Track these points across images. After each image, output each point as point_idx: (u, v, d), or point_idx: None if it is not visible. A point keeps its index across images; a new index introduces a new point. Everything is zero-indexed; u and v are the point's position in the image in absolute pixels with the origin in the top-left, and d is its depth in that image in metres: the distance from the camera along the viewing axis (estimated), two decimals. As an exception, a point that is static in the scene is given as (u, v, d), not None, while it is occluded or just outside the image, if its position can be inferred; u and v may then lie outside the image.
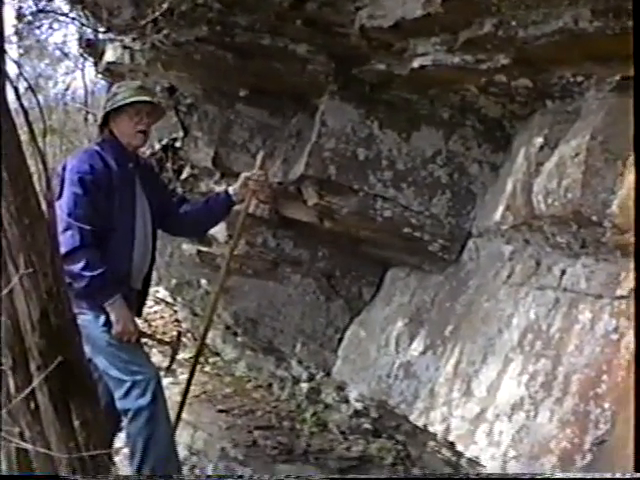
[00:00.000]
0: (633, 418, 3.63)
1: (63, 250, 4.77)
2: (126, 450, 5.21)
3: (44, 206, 3.83)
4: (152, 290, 7.27)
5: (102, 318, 5.11)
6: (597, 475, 3.84)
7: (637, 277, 3.78)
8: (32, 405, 3.69)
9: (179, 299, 9.23)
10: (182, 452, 5.94)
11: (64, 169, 5.06)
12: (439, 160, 5.87)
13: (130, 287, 5.32)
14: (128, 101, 5.21)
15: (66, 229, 4.93)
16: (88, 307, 5.05)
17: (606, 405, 3.84)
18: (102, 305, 5.08)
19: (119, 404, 5.03)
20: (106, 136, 5.28)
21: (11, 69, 4.75)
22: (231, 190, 5.79)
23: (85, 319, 4.95)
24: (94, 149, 5.19)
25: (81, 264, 4.92)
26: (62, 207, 4.95)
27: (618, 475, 3.71)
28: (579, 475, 3.91)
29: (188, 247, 7.88)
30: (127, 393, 4.98)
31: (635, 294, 3.81)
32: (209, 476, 6.06)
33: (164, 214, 5.56)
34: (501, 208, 5.13)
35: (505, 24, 4.38)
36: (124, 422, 5.09)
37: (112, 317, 5.07)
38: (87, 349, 5.04)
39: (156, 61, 6.58)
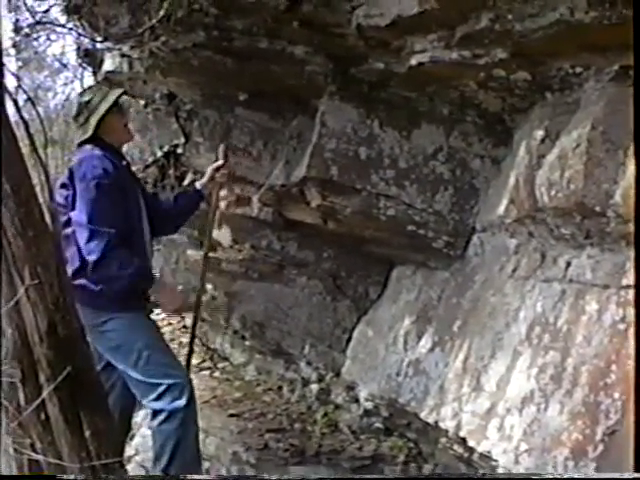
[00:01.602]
0: (633, 417, 3.64)
1: (94, 258, 4.85)
2: (138, 457, 5.20)
3: (48, 217, 3.83)
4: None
5: (141, 317, 5.16)
6: (597, 475, 3.84)
7: (637, 268, 3.77)
8: (42, 416, 3.70)
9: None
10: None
11: (71, 178, 5.02)
12: (441, 156, 5.87)
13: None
14: (115, 98, 5.23)
15: (91, 237, 4.90)
16: (125, 308, 5.07)
17: (616, 395, 3.83)
18: (145, 297, 5.19)
19: (150, 405, 5.01)
20: (96, 140, 5.24)
21: (10, 82, 4.75)
22: (198, 185, 5.80)
23: (121, 323, 5.00)
24: (98, 153, 5.13)
25: (116, 265, 4.92)
26: (80, 217, 4.91)
27: (618, 475, 3.71)
28: (578, 475, 3.91)
29: (193, 253, 7.89)
30: (162, 395, 4.95)
31: (635, 286, 3.80)
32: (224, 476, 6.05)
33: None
34: (504, 202, 5.12)
35: (501, 18, 4.37)
36: (153, 422, 5.05)
37: (162, 297, 5.30)
38: (115, 357, 5.09)
39: (155, 68, 6.59)
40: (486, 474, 4.71)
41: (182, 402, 4.95)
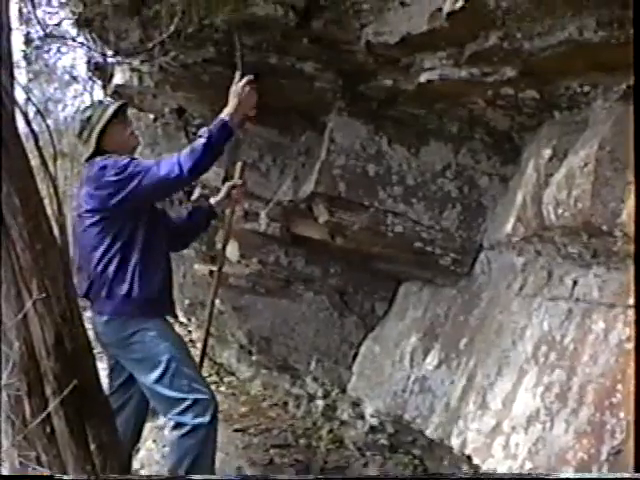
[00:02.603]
0: (633, 418, 3.64)
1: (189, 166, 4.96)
2: (144, 471, 5.20)
3: (56, 230, 3.85)
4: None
5: (168, 328, 5.23)
6: (597, 475, 3.84)
7: (637, 287, 3.78)
8: (48, 429, 3.70)
9: (193, 319, 9.26)
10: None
11: (99, 186, 5.05)
12: (449, 174, 5.88)
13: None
14: (113, 110, 5.26)
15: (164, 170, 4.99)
16: (153, 316, 5.12)
17: (622, 414, 3.83)
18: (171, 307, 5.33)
19: (174, 418, 5.00)
20: (103, 154, 5.24)
21: (20, 94, 4.78)
22: (213, 201, 5.81)
23: (148, 335, 5.03)
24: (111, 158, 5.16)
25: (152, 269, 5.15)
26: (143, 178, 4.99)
27: (618, 475, 3.71)
28: (578, 475, 3.90)
29: (200, 267, 7.89)
30: (186, 409, 4.95)
31: (635, 302, 3.81)
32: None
33: None
34: (512, 220, 5.12)
35: (510, 36, 4.38)
36: (173, 433, 5.03)
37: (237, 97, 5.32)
38: (139, 369, 5.08)
39: (164, 83, 6.60)
40: (486, 474, 4.71)
41: (206, 419, 4.95)
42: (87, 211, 5.06)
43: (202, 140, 5.00)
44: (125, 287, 4.99)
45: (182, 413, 4.95)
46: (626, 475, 3.60)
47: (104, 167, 5.01)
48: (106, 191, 4.98)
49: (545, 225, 4.60)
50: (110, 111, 5.26)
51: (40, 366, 3.68)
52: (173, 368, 4.99)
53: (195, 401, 4.95)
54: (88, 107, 5.56)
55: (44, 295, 3.60)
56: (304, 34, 5.42)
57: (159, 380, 4.98)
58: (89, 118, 5.27)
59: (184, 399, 4.95)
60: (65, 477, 3.67)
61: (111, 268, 5.00)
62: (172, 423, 5.01)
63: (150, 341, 5.00)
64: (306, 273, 7.07)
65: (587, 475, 3.88)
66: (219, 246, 6.82)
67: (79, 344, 3.77)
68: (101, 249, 5.01)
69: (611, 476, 3.79)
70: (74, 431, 3.71)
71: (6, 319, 3.66)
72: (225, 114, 5.22)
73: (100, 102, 5.68)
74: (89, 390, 3.78)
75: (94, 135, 5.21)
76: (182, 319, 9.75)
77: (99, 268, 5.00)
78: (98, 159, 5.13)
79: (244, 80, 5.31)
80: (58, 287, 3.66)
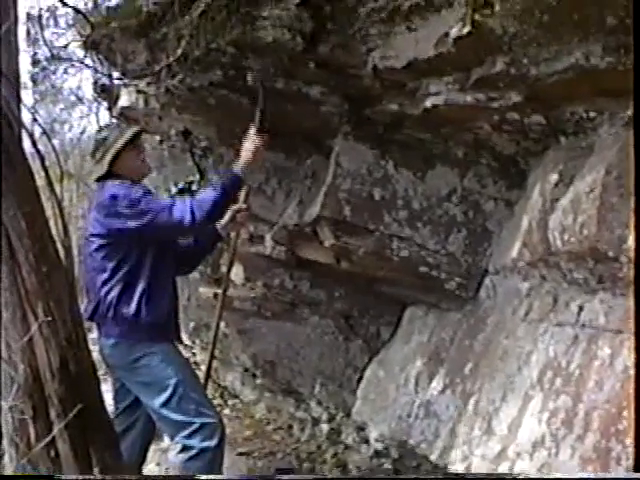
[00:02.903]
0: (633, 418, 3.63)
1: (202, 214, 4.94)
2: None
3: (62, 253, 3.85)
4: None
5: (174, 352, 5.19)
6: (597, 475, 3.82)
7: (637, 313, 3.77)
8: (52, 452, 3.69)
9: (197, 342, 9.24)
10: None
11: (109, 213, 5.01)
12: (454, 198, 5.88)
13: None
14: (130, 135, 5.26)
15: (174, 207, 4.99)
16: (160, 340, 5.10)
17: (627, 441, 3.82)
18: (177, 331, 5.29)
19: (181, 441, 4.96)
20: (113, 176, 5.25)
21: (26, 115, 4.80)
22: (218, 225, 5.81)
23: (155, 358, 4.99)
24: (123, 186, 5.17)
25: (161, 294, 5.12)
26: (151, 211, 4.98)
27: (618, 475, 3.69)
28: (578, 475, 3.89)
29: (205, 290, 7.89)
30: (193, 433, 4.92)
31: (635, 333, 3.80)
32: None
33: None
34: (517, 245, 5.12)
35: (517, 62, 4.39)
36: (180, 456, 5.01)
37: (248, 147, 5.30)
38: (147, 393, 5.07)
39: (170, 105, 6.62)
40: (485, 474, 4.70)
41: (213, 442, 4.93)
42: (94, 235, 5.06)
43: (216, 192, 5.04)
44: (132, 311, 4.98)
45: (189, 436, 4.93)
46: (626, 475, 3.59)
47: (115, 197, 4.99)
48: (115, 221, 4.97)
49: (551, 250, 4.60)
50: (127, 135, 5.26)
51: (45, 389, 3.68)
52: (180, 392, 4.97)
53: (202, 425, 4.93)
54: (105, 127, 5.59)
55: (49, 318, 3.59)
56: (311, 58, 5.44)
57: (166, 404, 4.96)
58: (105, 139, 5.27)
59: (191, 423, 4.93)
60: (64, 477, 3.66)
61: (117, 292, 4.99)
62: (179, 446, 4.98)
63: (157, 365, 4.98)
64: (311, 297, 7.06)
65: (587, 475, 3.87)
66: (224, 269, 6.82)
67: (84, 367, 3.77)
68: (108, 272, 5.00)
69: (611, 476, 3.78)
70: (78, 454, 3.70)
71: (12, 342, 3.66)
72: (238, 167, 5.25)
73: (117, 125, 5.69)
74: (93, 413, 3.78)
75: (108, 157, 5.19)
76: (187, 341, 9.73)
77: (105, 291, 4.99)
78: (109, 184, 5.11)
79: (260, 139, 5.35)
80: (63, 310, 3.66)
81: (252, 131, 5.43)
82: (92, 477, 3.74)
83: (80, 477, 3.69)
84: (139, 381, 5.03)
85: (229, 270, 6.09)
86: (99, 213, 5.05)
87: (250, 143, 5.34)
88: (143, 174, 5.43)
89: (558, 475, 4.07)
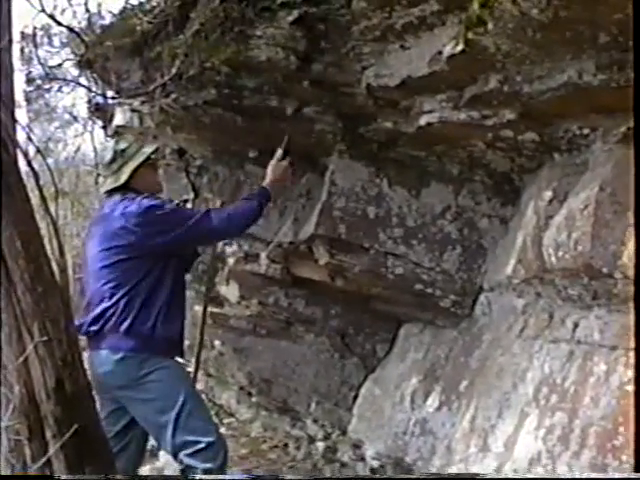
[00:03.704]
0: (633, 418, 3.63)
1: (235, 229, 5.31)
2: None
3: (57, 272, 3.84)
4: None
5: (180, 368, 5.23)
6: (597, 475, 3.82)
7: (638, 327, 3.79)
8: (48, 472, 3.68)
9: (192, 360, 9.23)
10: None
11: (137, 223, 4.99)
12: (449, 215, 5.90)
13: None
14: (150, 152, 5.26)
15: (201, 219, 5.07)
16: (172, 353, 5.14)
17: (624, 457, 3.82)
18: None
19: (185, 459, 4.89)
20: (127, 190, 5.23)
21: (21, 134, 4.80)
22: (264, 183, 5.79)
23: (163, 373, 4.96)
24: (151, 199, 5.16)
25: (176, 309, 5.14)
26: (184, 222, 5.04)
27: (618, 475, 3.69)
28: (578, 475, 3.89)
29: (200, 308, 7.87)
30: (198, 452, 4.87)
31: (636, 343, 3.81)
32: None
33: None
34: (512, 262, 5.13)
35: (510, 80, 4.42)
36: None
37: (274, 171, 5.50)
38: (150, 409, 5.04)
39: (165, 124, 6.63)
40: (485, 474, 4.70)
41: (217, 463, 4.90)
42: (116, 247, 5.01)
43: (250, 203, 5.22)
44: (150, 325, 4.96)
45: (193, 455, 4.89)
46: (626, 475, 3.60)
47: (151, 207, 4.98)
48: (151, 229, 4.96)
49: (545, 267, 4.61)
50: (147, 151, 5.26)
51: (40, 409, 3.66)
52: (188, 409, 4.94)
53: (208, 445, 4.90)
54: (121, 143, 5.59)
55: (45, 338, 3.59)
56: (304, 77, 5.46)
57: (174, 421, 4.92)
58: (124, 150, 5.26)
59: (197, 442, 4.89)
60: (64, 477, 3.65)
61: (138, 305, 4.96)
62: (182, 465, 4.97)
63: (166, 381, 4.95)
64: (306, 314, 7.06)
65: (587, 475, 3.87)
66: (219, 287, 6.84)
67: (80, 387, 3.76)
68: (129, 286, 4.97)
69: (611, 476, 3.78)
70: (74, 475, 3.69)
71: (7, 362, 3.65)
72: (266, 183, 5.44)
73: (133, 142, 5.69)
74: (90, 434, 3.76)
75: (127, 170, 5.15)
76: (181, 360, 9.73)
77: (123, 304, 4.95)
78: (139, 198, 5.08)
79: (286, 162, 5.53)
80: (59, 330, 3.65)
81: (279, 153, 5.50)
82: (92, 477, 3.73)
83: (80, 477, 3.68)
84: (143, 398, 4.99)
85: (210, 282, 6.18)
86: (129, 223, 4.99)
87: (277, 163, 5.48)
88: (156, 190, 5.43)
89: (558, 475, 4.07)
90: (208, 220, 5.01)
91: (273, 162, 5.50)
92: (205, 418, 5.07)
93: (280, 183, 5.51)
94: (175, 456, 5.01)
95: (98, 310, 5.00)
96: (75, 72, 7.09)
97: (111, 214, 5.08)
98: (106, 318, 4.96)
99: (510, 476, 4.43)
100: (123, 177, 5.15)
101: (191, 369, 6.21)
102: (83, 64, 6.52)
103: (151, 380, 4.94)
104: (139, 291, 4.97)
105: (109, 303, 4.96)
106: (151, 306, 4.98)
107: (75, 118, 14.05)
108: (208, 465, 4.87)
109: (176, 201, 5.61)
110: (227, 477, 5.36)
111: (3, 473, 3.71)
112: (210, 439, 4.92)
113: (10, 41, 4.50)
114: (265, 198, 5.29)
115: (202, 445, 4.88)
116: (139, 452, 5.33)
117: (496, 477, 4.49)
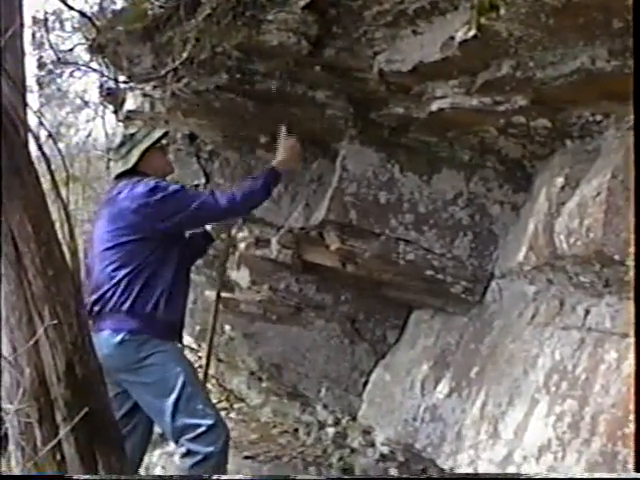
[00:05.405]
0: (634, 418, 3.62)
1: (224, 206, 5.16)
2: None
3: (68, 256, 3.85)
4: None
5: (179, 351, 5.27)
6: (597, 475, 3.82)
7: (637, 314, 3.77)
8: (58, 456, 3.69)
9: (203, 345, 9.24)
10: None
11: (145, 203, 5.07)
12: (460, 202, 5.87)
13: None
14: (159, 136, 5.31)
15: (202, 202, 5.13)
16: (172, 337, 5.19)
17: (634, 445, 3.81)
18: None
19: (186, 444, 4.92)
20: (137, 173, 5.25)
21: (32, 118, 4.80)
22: (274, 162, 5.77)
23: (162, 357, 5.01)
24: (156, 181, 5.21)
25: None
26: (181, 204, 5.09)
27: (618, 475, 3.69)
28: (579, 475, 3.88)
29: (211, 293, 7.88)
30: (199, 436, 4.90)
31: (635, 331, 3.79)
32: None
33: None
34: (523, 249, 5.11)
35: (523, 65, 4.39)
36: (185, 461, 4.97)
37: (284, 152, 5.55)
38: (151, 392, 5.05)
39: (176, 109, 6.63)
40: (484, 474, 4.69)
41: (218, 447, 4.90)
42: (120, 229, 5.04)
43: (256, 183, 5.28)
44: (151, 307, 4.98)
45: (194, 440, 4.89)
46: (626, 475, 3.59)
47: (155, 188, 5.02)
48: (156, 210, 4.99)
49: (557, 254, 4.59)
50: (156, 135, 5.32)
51: (51, 392, 3.67)
52: (188, 392, 4.95)
53: (209, 428, 4.90)
54: (131, 128, 5.63)
55: (56, 322, 3.59)
56: (316, 62, 5.44)
57: (174, 405, 4.93)
58: (133, 135, 5.32)
59: (198, 425, 4.90)
60: (75, 476, 3.66)
61: (139, 286, 4.98)
62: (183, 450, 4.96)
63: (165, 364, 4.97)
64: (317, 300, 7.05)
65: (587, 475, 3.87)
66: (230, 272, 6.84)
67: (90, 370, 3.77)
68: (131, 266, 4.99)
69: (611, 476, 3.77)
70: (84, 458, 3.70)
71: (18, 345, 3.66)
72: (275, 163, 5.45)
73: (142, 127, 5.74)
74: (100, 416, 3.77)
75: (136, 153, 5.23)
76: (193, 344, 9.74)
77: (125, 284, 4.97)
78: (138, 179, 5.13)
79: (293, 139, 5.60)
80: (70, 313, 3.66)
81: (283, 131, 5.50)
82: (101, 477, 3.74)
83: (89, 477, 3.69)
84: (144, 381, 5.01)
85: (222, 270, 6.19)
86: (134, 203, 5.03)
87: (284, 142, 5.53)
88: (166, 173, 5.47)
89: (558, 475, 4.06)
90: (213, 200, 5.06)
91: (280, 141, 5.53)
92: (205, 401, 5.08)
93: (290, 163, 5.53)
94: (177, 442, 5.02)
95: (100, 291, 5.03)
96: (86, 57, 7.10)
97: (117, 196, 5.13)
98: (107, 299, 4.99)
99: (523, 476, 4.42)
100: (132, 160, 5.21)
101: (202, 354, 6.22)
102: (94, 49, 6.52)
103: (150, 363, 4.96)
104: (141, 272, 5.00)
105: (111, 284, 4.99)
106: (153, 287, 5.01)
107: (86, 103, 14.05)
108: (210, 449, 4.88)
109: (187, 186, 5.62)
110: (235, 477, 5.37)
111: (13, 456, 3.73)
112: (210, 422, 4.92)
113: (22, 25, 4.49)
114: (272, 177, 5.32)
115: (203, 428, 4.89)
116: (145, 437, 5.35)
117: (503, 478, 4.49)
